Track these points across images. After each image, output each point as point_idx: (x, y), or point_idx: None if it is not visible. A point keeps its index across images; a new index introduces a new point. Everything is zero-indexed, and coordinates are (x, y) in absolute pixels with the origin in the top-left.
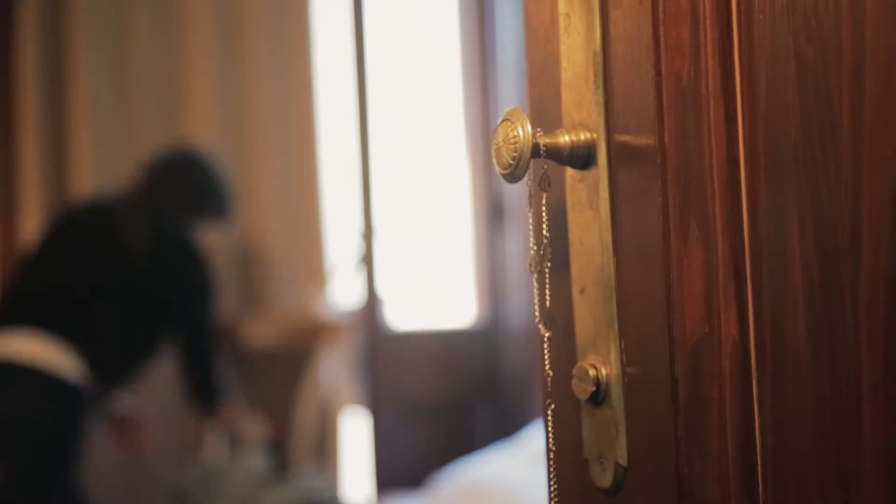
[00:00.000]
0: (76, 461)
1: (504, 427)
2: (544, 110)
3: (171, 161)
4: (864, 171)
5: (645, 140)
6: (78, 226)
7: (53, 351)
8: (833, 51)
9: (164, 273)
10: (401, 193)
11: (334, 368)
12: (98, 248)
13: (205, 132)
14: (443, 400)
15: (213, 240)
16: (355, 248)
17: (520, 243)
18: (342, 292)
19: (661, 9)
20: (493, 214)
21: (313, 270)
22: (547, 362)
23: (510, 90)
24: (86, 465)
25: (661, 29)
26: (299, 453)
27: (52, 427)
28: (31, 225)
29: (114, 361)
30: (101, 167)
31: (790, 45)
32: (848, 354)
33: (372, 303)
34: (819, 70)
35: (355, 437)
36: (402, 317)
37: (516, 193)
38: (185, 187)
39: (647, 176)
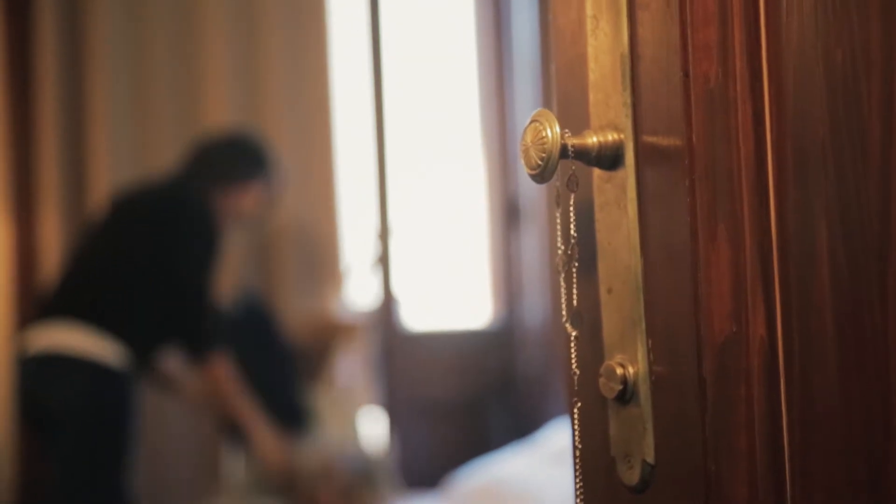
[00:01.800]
0: (129, 453)
1: (520, 427)
2: (572, 111)
3: (212, 137)
4: (893, 171)
5: (673, 141)
6: (118, 210)
7: (97, 339)
8: (861, 52)
9: (177, 237)
10: (417, 194)
11: (351, 369)
12: (141, 229)
13: (221, 128)
14: (459, 400)
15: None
16: (372, 248)
17: (536, 244)
18: (358, 293)
19: (688, 11)
20: (509, 215)
21: (330, 271)
22: (574, 361)
23: (527, 90)
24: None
25: (689, 31)
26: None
27: (103, 416)
28: (49, 223)
29: (150, 340)
30: (119, 165)
31: (818, 47)
32: (876, 353)
33: (388, 303)
34: (847, 71)
35: (373, 437)
36: (418, 317)
37: (532, 194)
38: (228, 151)
39: (675, 176)
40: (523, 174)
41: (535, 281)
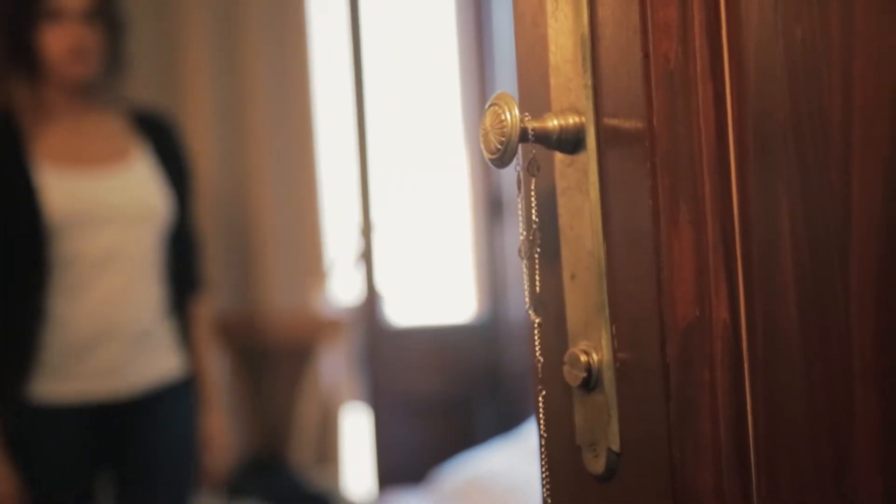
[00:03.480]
0: None
1: (504, 422)
2: (533, 95)
3: None
4: (854, 150)
5: (634, 123)
6: None
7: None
8: (821, 29)
9: None
10: (399, 189)
11: (334, 365)
12: None
13: (203, 130)
14: (443, 395)
15: (212, 236)
16: (354, 244)
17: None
18: (341, 289)
19: None
20: (491, 209)
21: (312, 267)
22: (538, 349)
23: (509, 83)
24: None
25: (649, 10)
26: (300, 451)
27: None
28: None
29: None
30: None
31: (778, 25)
32: (839, 336)
33: (371, 299)
34: (807, 49)
35: (356, 433)
36: (401, 312)
37: (515, 188)
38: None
39: (637, 159)
40: (507, 168)
41: (519, 275)
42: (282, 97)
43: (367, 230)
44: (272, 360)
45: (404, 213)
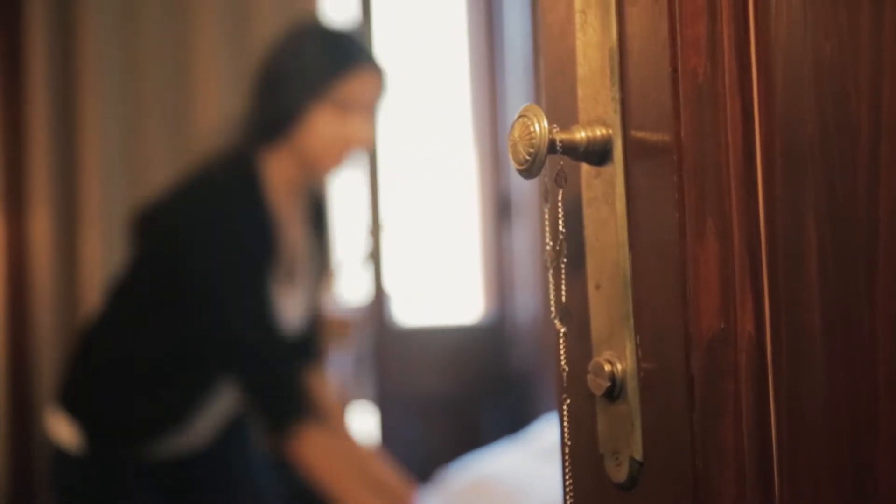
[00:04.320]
0: None
1: (512, 423)
2: (560, 106)
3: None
4: (882, 167)
5: (661, 136)
6: None
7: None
8: (850, 45)
9: None
10: (408, 189)
11: (342, 365)
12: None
13: (214, 122)
14: (450, 396)
15: None
16: (363, 244)
17: (527, 239)
18: (350, 289)
19: (677, 5)
20: (500, 210)
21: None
22: (563, 357)
23: (518, 86)
24: None
25: (678, 25)
26: None
27: None
28: (40, 223)
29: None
30: (111, 165)
31: (807, 41)
32: (864, 349)
33: (379, 299)
34: (836, 65)
35: (363, 433)
36: (409, 313)
37: (524, 189)
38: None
39: (664, 172)
40: (515, 169)
41: (526, 276)
42: None
43: (375, 230)
44: None
45: (413, 213)
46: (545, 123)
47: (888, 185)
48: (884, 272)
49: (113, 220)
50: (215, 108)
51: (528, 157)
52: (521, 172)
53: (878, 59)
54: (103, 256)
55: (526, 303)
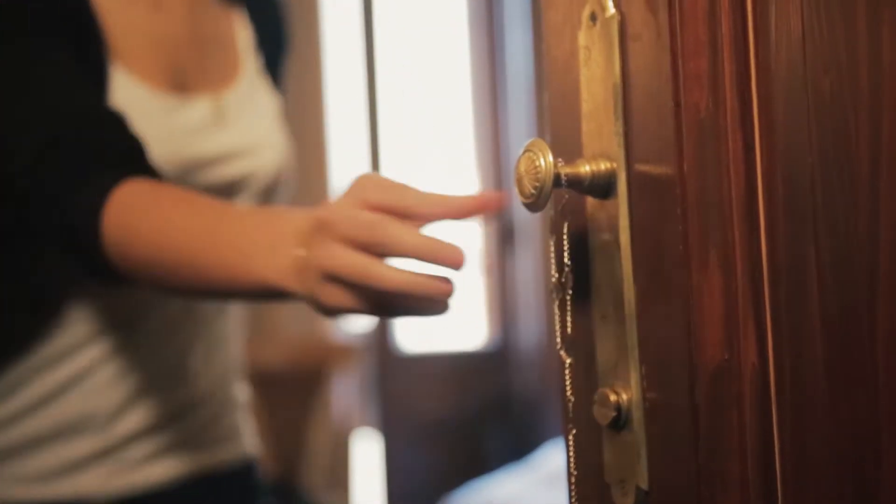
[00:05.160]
0: None
1: (516, 449)
2: (565, 140)
3: None
4: (881, 200)
5: (664, 170)
6: None
7: None
8: (849, 81)
9: None
10: None
11: (346, 391)
12: None
13: None
14: (454, 422)
15: None
16: None
17: (531, 266)
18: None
19: (679, 42)
20: (504, 237)
21: None
22: (569, 388)
23: (520, 113)
24: None
25: (680, 61)
26: (312, 477)
27: None
28: None
29: None
30: None
31: (807, 76)
32: (866, 381)
33: (383, 325)
34: (836, 100)
35: (367, 460)
36: (412, 339)
37: (527, 216)
38: None
39: (667, 205)
40: (517, 196)
41: (530, 302)
42: (294, 120)
43: None
44: (283, 386)
45: None
46: (550, 158)
47: (888, 217)
48: (884, 305)
49: None
50: None
51: (533, 191)
52: (527, 206)
53: (877, 94)
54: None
55: (529, 329)
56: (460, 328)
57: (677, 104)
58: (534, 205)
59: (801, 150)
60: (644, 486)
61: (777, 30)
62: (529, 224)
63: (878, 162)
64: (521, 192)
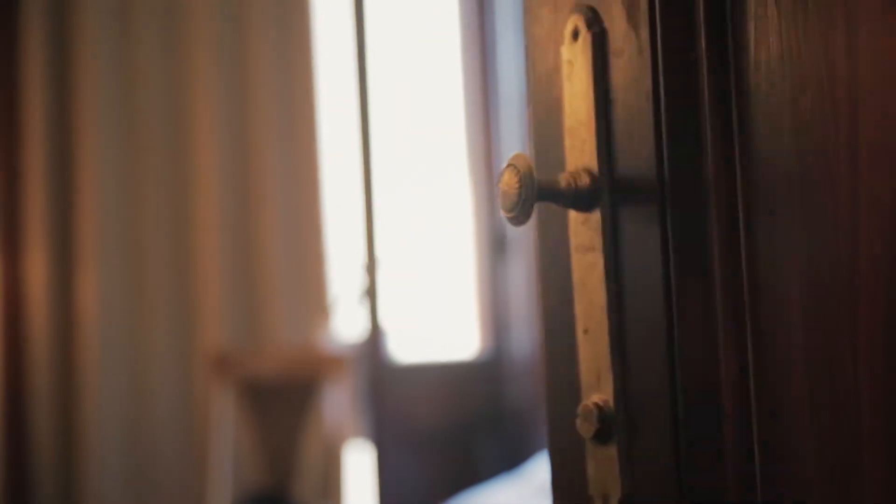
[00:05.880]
0: None
1: (508, 459)
2: (548, 154)
3: None
4: (861, 215)
5: (646, 184)
6: None
7: None
8: (828, 96)
9: None
10: (404, 226)
11: (338, 402)
12: None
13: (209, 162)
14: (447, 432)
15: (217, 271)
16: (358, 280)
17: (522, 276)
18: (345, 325)
19: (660, 57)
20: (495, 246)
21: (316, 303)
22: (552, 401)
23: (512, 124)
24: None
25: (661, 76)
26: (304, 487)
27: None
28: (36, 260)
29: None
30: (107, 202)
31: (785, 93)
32: (847, 397)
33: (375, 335)
34: (815, 116)
35: (360, 470)
36: (405, 349)
37: (518, 227)
38: None
39: (649, 219)
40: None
41: (522, 312)
42: (288, 132)
43: (371, 266)
44: (276, 396)
45: (408, 249)
46: (533, 172)
47: (867, 232)
48: (864, 316)
49: (109, 261)
50: (210, 148)
51: (516, 205)
52: (510, 220)
53: (854, 112)
54: (99, 295)
55: (522, 338)
56: (453, 338)
57: (658, 120)
58: (516, 219)
59: (781, 166)
60: (626, 499)
61: (756, 47)
62: (521, 234)
63: (857, 177)
64: (504, 206)
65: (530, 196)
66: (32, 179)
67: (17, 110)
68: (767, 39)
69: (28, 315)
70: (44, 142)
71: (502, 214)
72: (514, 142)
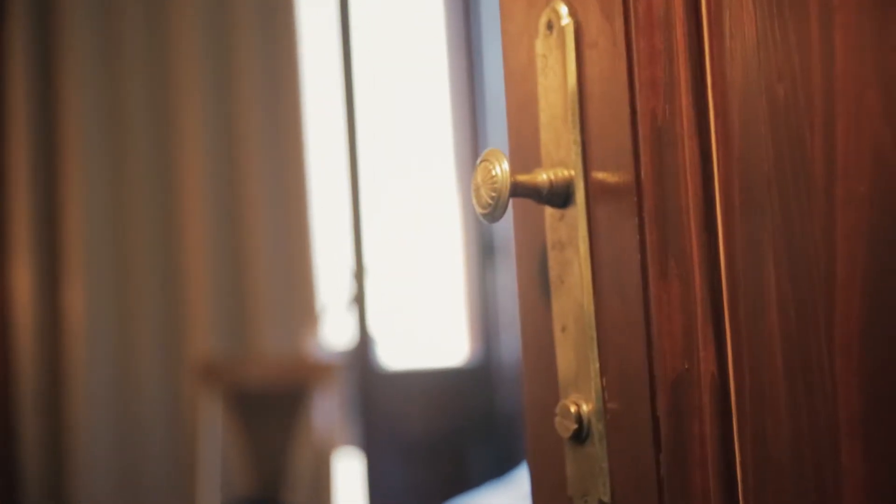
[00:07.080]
0: None
1: (498, 465)
2: (523, 150)
3: None
4: (837, 207)
5: (622, 178)
6: None
7: None
8: (803, 87)
9: None
10: (392, 232)
11: (327, 409)
12: None
13: (196, 170)
14: (436, 438)
15: (204, 279)
16: (347, 287)
17: (511, 280)
18: (334, 332)
19: (635, 49)
20: (484, 252)
21: (305, 310)
22: (530, 401)
23: (499, 130)
24: None
25: (636, 68)
26: (294, 495)
27: None
28: (21, 275)
29: None
30: (93, 217)
31: (761, 83)
32: (824, 389)
33: (364, 342)
34: (790, 106)
35: (350, 477)
36: (394, 356)
37: (507, 230)
38: None
39: (625, 214)
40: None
41: (511, 318)
42: (275, 142)
43: (359, 273)
44: (264, 404)
45: (397, 256)
46: (506, 167)
47: (844, 224)
48: (841, 312)
49: (96, 269)
50: (197, 155)
51: (490, 201)
52: (483, 217)
53: (830, 100)
54: (86, 304)
55: (511, 344)
56: (442, 344)
57: (634, 111)
58: (490, 215)
59: (758, 157)
60: (606, 499)
61: (732, 37)
62: (510, 240)
63: (833, 168)
64: (478, 203)
65: (504, 192)
66: (17, 188)
67: (0, 118)
68: (743, 27)
69: (14, 324)
70: (28, 150)
71: (476, 211)
72: (502, 147)
